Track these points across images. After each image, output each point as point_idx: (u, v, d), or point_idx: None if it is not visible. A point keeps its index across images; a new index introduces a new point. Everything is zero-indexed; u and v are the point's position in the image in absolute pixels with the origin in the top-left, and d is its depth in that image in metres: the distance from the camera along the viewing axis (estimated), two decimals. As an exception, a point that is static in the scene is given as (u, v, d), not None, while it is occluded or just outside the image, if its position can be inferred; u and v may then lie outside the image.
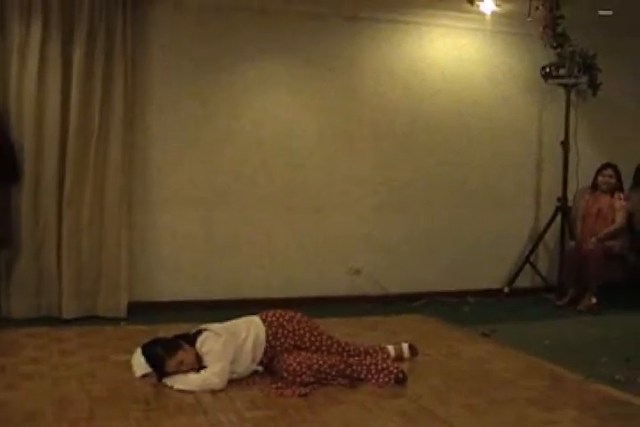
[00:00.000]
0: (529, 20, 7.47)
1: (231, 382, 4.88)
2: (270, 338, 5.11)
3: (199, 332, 5.04)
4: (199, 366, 4.92)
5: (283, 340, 5.13)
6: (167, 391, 4.76)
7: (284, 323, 5.20)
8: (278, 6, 7.57)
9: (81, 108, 6.85)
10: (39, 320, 6.74)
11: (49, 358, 5.49)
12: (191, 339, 5.01)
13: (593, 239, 7.99)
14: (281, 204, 7.75)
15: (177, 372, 4.87)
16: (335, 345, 5.26)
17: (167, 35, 7.34)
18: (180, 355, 4.88)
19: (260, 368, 5.13)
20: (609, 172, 8.24)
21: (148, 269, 7.35)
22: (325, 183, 7.92)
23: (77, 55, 6.81)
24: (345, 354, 5.20)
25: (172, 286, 7.38)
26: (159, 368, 4.89)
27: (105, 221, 7.00)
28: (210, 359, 4.89)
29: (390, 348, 5.55)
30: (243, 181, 7.61)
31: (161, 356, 4.89)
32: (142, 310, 7.04)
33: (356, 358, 5.14)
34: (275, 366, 5.05)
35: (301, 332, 5.21)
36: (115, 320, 6.86)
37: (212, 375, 4.81)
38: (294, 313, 5.33)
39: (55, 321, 6.76)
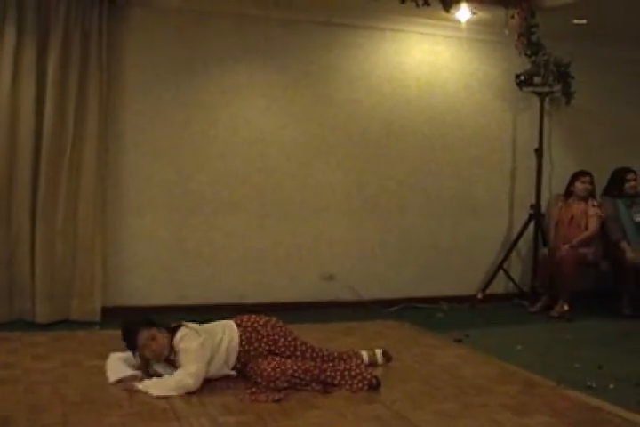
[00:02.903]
0: (506, 32, 7.56)
1: (204, 388, 4.88)
2: (244, 343, 5.11)
3: (178, 326, 5.06)
4: (168, 355, 4.95)
5: (257, 345, 5.13)
6: (141, 397, 4.74)
7: (259, 328, 5.20)
8: (255, 12, 7.58)
9: (55, 114, 6.83)
10: (12, 324, 6.71)
11: (22, 362, 5.45)
12: (169, 330, 5.04)
13: (566, 246, 8.04)
14: (255, 209, 7.75)
15: (145, 351, 4.95)
16: (309, 351, 5.26)
17: (143, 40, 7.34)
18: (154, 332, 4.93)
19: (234, 373, 5.13)
20: (588, 179, 8.32)
21: (121, 274, 7.33)
22: (299, 189, 7.93)
23: (52, 60, 6.79)
24: (319, 360, 5.20)
25: (146, 290, 7.37)
26: (131, 338, 4.96)
27: (79, 225, 6.98)
28: (186, 358, 4.89)
29: (364, 353, 5.56)
30: (217, 186, 7.62)
31: (136, 325, 4.98)
32: (116, 315, 6.98)
33: (330, 364, 5.13)
34: (249, 371, 5.05)
35: (276, 337, 5.21)
36: (88, 325, 6.85)
37: (186, 376, 4.81)
38: (269, 318, 5.33)
39: (28, 326, 6.73)
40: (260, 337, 5.16)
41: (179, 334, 4.98)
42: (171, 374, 4.91)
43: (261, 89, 7.79)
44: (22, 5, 6.71)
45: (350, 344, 5.91)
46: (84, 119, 6.95)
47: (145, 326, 4.98)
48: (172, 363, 4.97)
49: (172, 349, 4.96)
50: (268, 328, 5.24)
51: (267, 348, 5.15)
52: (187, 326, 5.05)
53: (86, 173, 6.97)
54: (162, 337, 4.96)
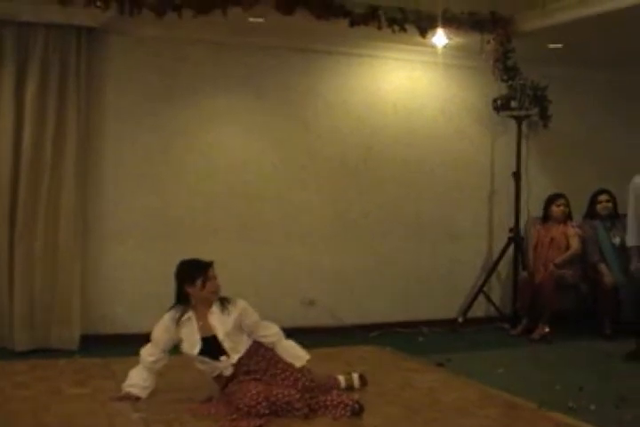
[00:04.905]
0: (482, 56, 7.65)
1: (186, 413, 4.89)
2: (252, 350, 5.27)
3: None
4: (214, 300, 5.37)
5: (257, 359, 5.24)
6: (120, 424, 4.73)
7: (266, 351, 5.32)
8: (232, 39, 7.61)
9: (34, 142, 6.83)
10: (-11, 352, 6.68)
11: (2, 391, 5.41)
12: None
13: (551, 266, 8.07)
14: (235, 236, 7.74)
15: (210, 282, 5.38)
16: (303, 380, 5.19)
17: (122, 67, 7.36)
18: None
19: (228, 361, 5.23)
20: (563, 201, 8.38)
21: (101, 302, 7.31)
22: (279, 215, 7.94)
23: (31, 88, 6.82)
24: (307, 395, 5.11)
25: (127, 318, 7.33)
26: (202, 268, 5.41)
27: (58, 253, 6.95)
28: (255, 316, 5.45)
29: (341, 378, 5.59)
30: (197, 213, 7.62)
31: (208, 262, 5.45)
32: (96, 343, 7.00)
33: (314, 400, 5.09)
34: (232, 393, 5.03)
35: (277, 359, 5.28)
36: (68, 353, 6.79)
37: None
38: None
39: (7, 353, 6.69)
40: (264, 353, 5.30)
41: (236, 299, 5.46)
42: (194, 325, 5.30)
43: (240, 115, 7.82)
44: (0, 34, 6.72)
45: (331, 370, 5.88)
46: (63, 147, 6.94)
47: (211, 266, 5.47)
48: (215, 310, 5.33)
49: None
50: (275, 354, 5.33)
51: (264, 366, 5.20)
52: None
53: (65, 199, 6.95)
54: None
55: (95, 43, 7.18)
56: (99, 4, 6.49)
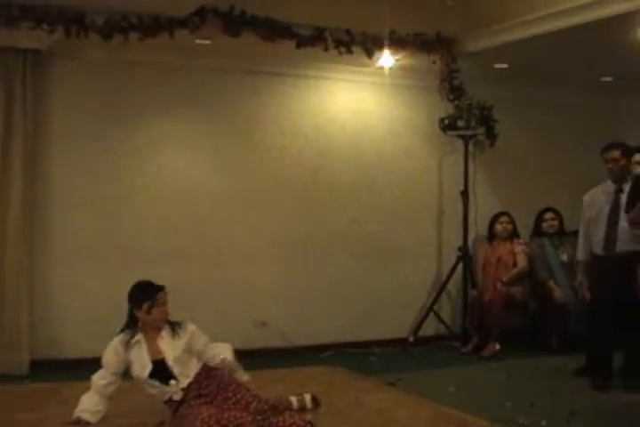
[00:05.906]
0: (429, 77, 7.72)
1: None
2: (203, 372, 5.23)
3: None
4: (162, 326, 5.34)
5: (206, 383, 5.17)
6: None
7: (217, 372, 5.29)
8: (180, 61, 7.60)
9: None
10: None
11: (-52, 419, 5.34)
12: None
13: (499, 284, 8.14)
14: (184, 258, 7.69)
15: (158, 307, 5.35)
16: (255, 403, 5.16)
17: (69, 90, 7.33)
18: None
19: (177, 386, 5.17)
20: (505, 219, 8.52)
21: (51, 326, 7.22)
22: (229, 237, 7.92)
23: (-24, 112, 6.77)
24: (260, 417, 5.10)
25: (77, 343, 7.25)
26: (153, 291, 5.40)
27: (6, 277, 6.89)
28: (204, 338, 5.45)
29: (293, 399, 5.58)
30: (146, 236, 7.57)
31: (158, 287, 5.41)
32: (45, 368, 6.91)
33: (267, 421, 5.06)
34: (184, 416, 4.99)
35: (228, 382, 5.23)
36: (16, 378, 6.70)
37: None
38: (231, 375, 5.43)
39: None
40: (214, 376, 5.23)
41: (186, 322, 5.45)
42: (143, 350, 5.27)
43: (188, 138, 7.81)
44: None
45: (283, 391, 5.88)
46: (9, 171, 6.89)
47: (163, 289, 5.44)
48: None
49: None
50: (225, 377, 5.28)
51: (214, 390, 5.15)
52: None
53: (12, 223, 6.89)
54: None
55: (41, 66, 7.14)
56: (45, 26, 6.46)
